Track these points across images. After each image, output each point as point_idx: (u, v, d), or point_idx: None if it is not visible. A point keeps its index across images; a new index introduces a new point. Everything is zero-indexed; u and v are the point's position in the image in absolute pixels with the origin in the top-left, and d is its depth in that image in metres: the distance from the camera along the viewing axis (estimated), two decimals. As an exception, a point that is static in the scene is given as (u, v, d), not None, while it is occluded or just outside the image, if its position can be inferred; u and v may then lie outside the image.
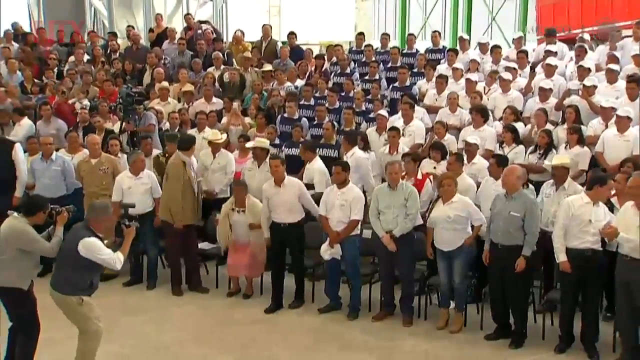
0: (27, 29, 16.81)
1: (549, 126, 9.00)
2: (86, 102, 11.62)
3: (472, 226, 7.32)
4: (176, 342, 7.21)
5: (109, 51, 14.11)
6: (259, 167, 8.88)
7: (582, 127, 8.86)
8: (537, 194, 7.67)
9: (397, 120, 9.71)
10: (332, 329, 7.54)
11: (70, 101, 11.73)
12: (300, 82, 11.79)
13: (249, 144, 9.28)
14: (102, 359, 6.61)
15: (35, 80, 12.93)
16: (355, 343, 7.20)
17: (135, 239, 8.46)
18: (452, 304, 7.49)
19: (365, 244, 7.84)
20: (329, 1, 19.95)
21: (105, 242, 6.07)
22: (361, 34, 13.82)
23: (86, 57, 13.81)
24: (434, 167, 8.86)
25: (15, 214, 6.15)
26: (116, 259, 5.93)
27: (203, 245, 8.76)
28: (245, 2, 18.72)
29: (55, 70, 13.43)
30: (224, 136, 9.62)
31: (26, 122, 10.95)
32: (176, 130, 10.55)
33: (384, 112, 9.85)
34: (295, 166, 9.13)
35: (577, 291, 6.70)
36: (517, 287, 6.90)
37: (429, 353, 6.95)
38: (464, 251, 7.22)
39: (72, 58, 13.84)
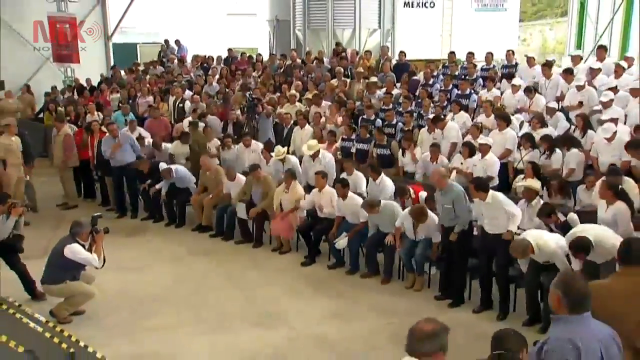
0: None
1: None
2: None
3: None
4: (215, 276, 8.61)
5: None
6: (313, 161, 10.14)
7: (590, 131, 8.87)
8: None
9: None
10: (328, 281, 8.39)
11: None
12: (396, 91, 12.57)
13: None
14: (158, 280, 8.40)
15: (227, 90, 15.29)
16: (335, 291, 8.01)
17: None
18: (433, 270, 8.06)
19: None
20: (495, 24, 20.01)
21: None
22: (510, 50, 13.83)
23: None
24: (461, 163, 9.38)
25: None
26: (93, 259, 6.90)
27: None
28: (414, 28, 19.51)
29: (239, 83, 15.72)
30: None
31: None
32: (288, 127, 12.09)
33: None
34: (362, 158, 10.33)
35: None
36: (453, 258, 7.40)
37: (381, 304, 7.58)
38: (422, 239, 7.90)
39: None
